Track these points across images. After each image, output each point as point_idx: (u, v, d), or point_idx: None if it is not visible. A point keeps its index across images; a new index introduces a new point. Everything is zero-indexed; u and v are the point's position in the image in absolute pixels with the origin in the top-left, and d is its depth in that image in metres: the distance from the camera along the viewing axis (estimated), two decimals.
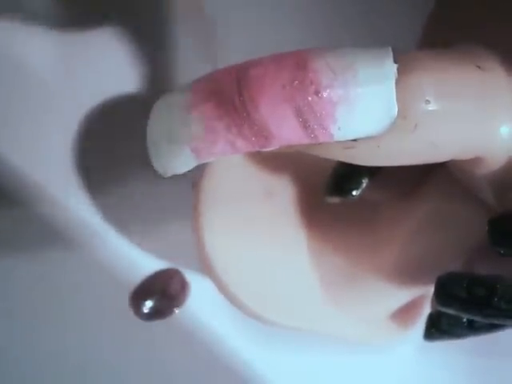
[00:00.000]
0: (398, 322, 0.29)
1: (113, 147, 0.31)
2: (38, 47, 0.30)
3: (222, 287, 0.27)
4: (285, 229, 0.28)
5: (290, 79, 0.18)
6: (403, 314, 0.29)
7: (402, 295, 0.27)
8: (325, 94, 0.17)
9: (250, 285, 0.27)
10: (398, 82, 0.18)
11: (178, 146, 0.19)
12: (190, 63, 0.31)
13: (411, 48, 0.25)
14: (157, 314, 0.30)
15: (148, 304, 0.30)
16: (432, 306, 0.26)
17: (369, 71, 0.18)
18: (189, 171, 0.20)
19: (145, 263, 0.30)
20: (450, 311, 0.22)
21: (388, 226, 0.27)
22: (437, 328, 0.25)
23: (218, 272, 0.26)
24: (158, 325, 0.30)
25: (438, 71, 0.18)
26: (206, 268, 0.26)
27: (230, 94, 0.18)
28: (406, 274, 0.26)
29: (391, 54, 0.18)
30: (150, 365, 0.30)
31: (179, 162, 0.19)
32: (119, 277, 0.30)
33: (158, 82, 0.31)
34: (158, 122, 0.19)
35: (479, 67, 0.19)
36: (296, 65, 0.18)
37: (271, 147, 0.18)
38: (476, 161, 0.20)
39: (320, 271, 0.28)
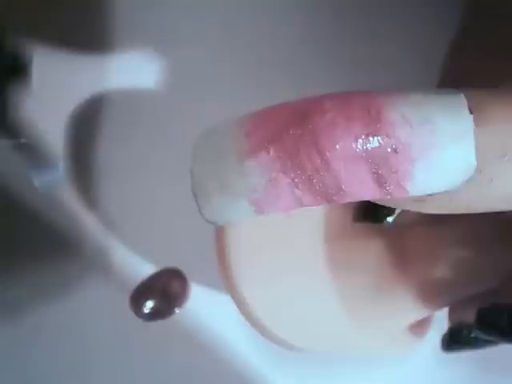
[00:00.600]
0: (413, 333, 0.28)
1: (112, 148, 0.31)
2: (39, 47, 0.30)
3: (247, 314, 0.24)
4: (306, 251, 0.26)
5: (363, 131, 0.16)
6: (416, 326, 0.28)
7: (427, 311, 0.26)
8: (403, 150, 0.16)
9: (276, 311, 0.25)
10: (474, 134, 0.16)
11: (234, 198, 0.16)
12: (191, 63, 0.30)
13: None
14: (157, 314, 0.30)
15: (148, 304, 0.29)
16: (450, 319, 0.26)
17: (447, 125, 0.16)
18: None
19: (145, 263, 0.30)
20: (490, 339, 0.22)
21: (419, 244, 0.25)
22: (457, 341, 0.24)
23: (246, 300, 0.24)
24: (157, 325, 0.30)
25: None
26: (232, 296, 0.24)
27: (295, 144, 0.16)
28: (435, 293, 0.25)
29: (466, 103, 0.16)
30: (150, 365, 0.30)
31: (234, 215, 0.17)
32: (119, 277, 0.30)
33: (158, 82, 0.31)
34: (207, 168, 0.16)
35: None
36: (367, 114, 0.16)
37: (340, 202, 0.17)
38: None
39: (345, 292, 0.26)
